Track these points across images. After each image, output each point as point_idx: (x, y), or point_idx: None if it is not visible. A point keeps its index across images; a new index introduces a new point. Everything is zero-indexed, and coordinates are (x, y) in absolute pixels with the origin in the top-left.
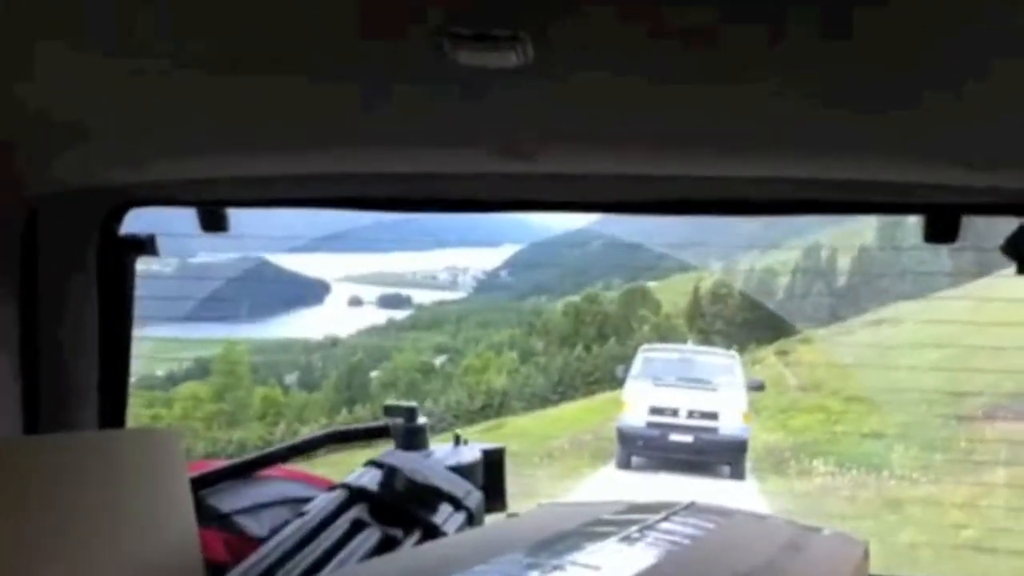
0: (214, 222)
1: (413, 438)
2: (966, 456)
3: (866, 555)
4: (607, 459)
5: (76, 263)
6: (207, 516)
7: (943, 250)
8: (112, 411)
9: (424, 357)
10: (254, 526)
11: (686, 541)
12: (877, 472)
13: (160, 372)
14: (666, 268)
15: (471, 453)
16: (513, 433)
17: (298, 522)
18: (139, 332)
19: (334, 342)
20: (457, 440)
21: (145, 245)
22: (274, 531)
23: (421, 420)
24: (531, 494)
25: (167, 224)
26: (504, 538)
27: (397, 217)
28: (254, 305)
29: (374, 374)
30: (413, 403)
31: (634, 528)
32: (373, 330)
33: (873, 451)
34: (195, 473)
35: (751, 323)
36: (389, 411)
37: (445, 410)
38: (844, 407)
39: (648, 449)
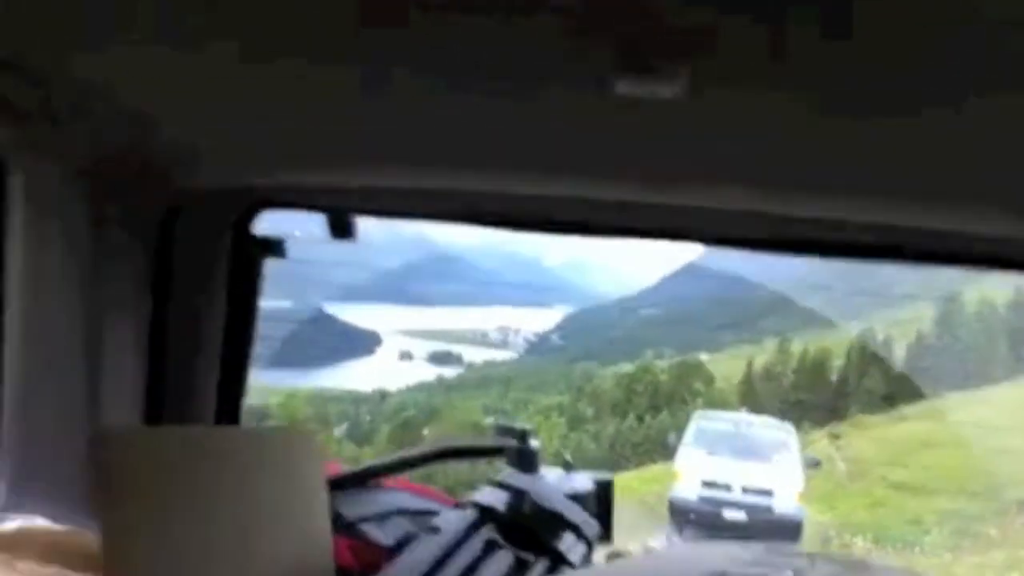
0: (342, 230)
1: (526, 460)
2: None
3: None
4: (657, 531)
5: (208, 261)
6: (334, 522)
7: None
8: (228, 411)
9: (475, 417)
10: (379, 534)
11: None
12: (910, 549)
13: None
14: (720, 343)
15: (584, 482)
16: None
17: (435, 538)
18: None
19: (383, 395)
20: (567, 466)
21: (275, 246)
22: (400, 541)
23: (534, 443)
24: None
25: None
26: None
27: (453, 267)
28: (305, 354)
29: (426, 431)
30: (528, 425)
31: (788, 572)
32: (422, 386)
33: (910, 532)
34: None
35: (804, 404)
36: (501, 431)
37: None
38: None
39: (700, 525)
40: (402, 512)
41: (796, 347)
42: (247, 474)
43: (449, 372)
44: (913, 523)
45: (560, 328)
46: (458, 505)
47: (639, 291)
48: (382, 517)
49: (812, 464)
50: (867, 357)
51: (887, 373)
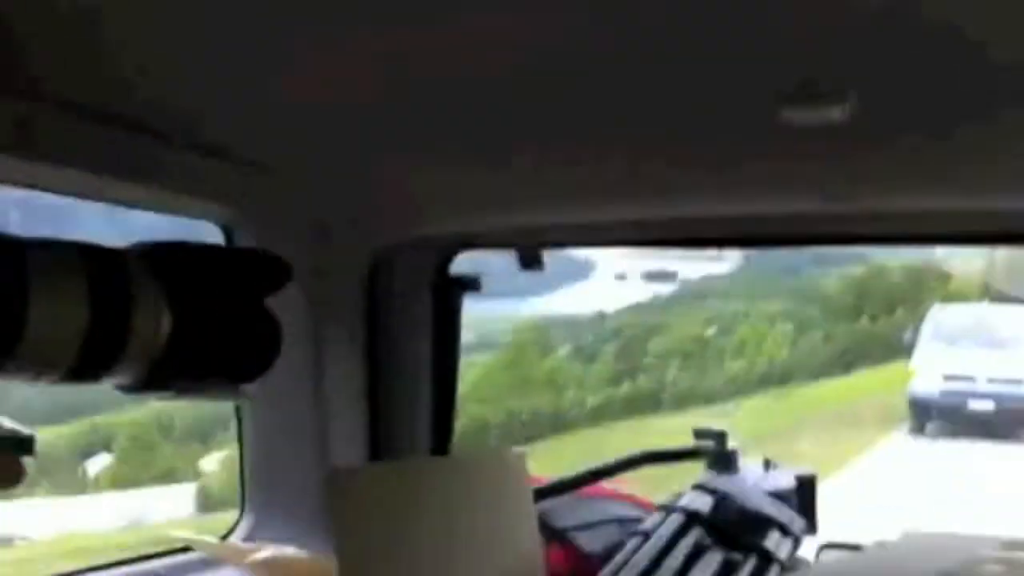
0: (532, 262)
1: (724, 461)
2: None
3: None
4: (899, 425)
5: (414, 303)
6: (543, 531)
7: None
8: (441, 439)
9: (696, 330)
10: (588, 542)
11: None
12: None
13: None
14: None
15: (785, 479)
16: (801, 402)
17: (645, 544)
18: None
19: (602, 316)
20: (767, 465)
21: (473, 283)
22: (609, 549)
23: (732, 444)
24: (827, 460)
25: None
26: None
27: None
28: (525, 283)
29: (650, 346)
30: (723, 428)
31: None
32: (639, 306)
33: None
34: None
35: None
36: (699, 435)
37: (726, 381)
38: None
39: (943, 418)
40: (609, 520)
41: None
42: (461, 498)
43: (664, 289)
44: None
45: None
46: (661, 510)
47: None
48: (590, 525)
49: None
50: None
51: None
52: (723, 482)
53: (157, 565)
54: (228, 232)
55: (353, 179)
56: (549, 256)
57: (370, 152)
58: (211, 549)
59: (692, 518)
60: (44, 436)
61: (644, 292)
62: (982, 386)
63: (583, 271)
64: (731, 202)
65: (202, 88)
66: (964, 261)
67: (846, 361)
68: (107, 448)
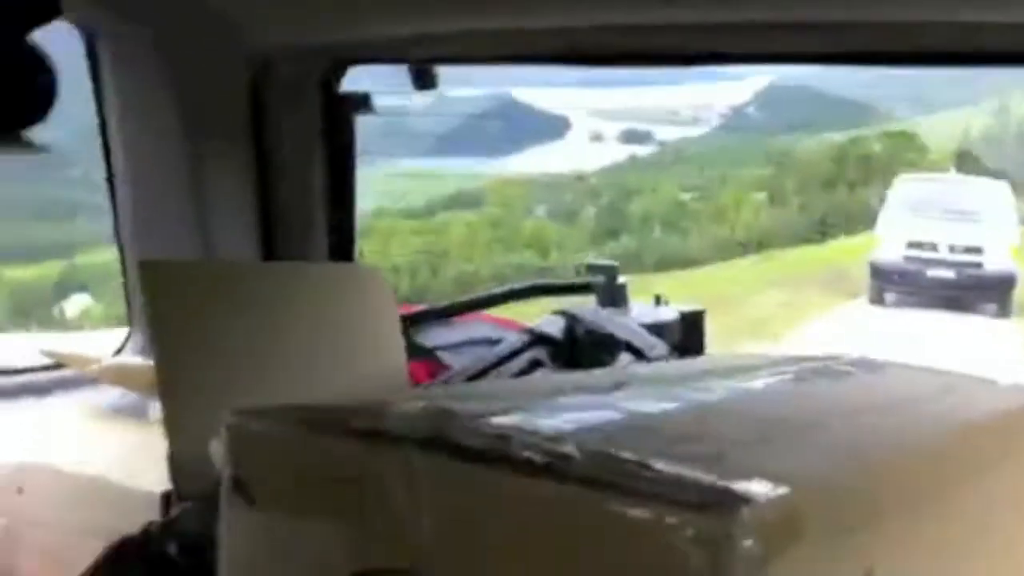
0: (424, 80)
1: (613, 296)
2: None
3: None
4: (861, 293)
5: (301, 116)
6: (411, 350)
7: None
8: (342, 249)
9: (676, 195)
10: (454, 361)
11: (827, 379)
12: None
13: (420, 202)
14: (933, 104)
15: (668, 313)
16: (774, 267)
17: (481, 355)
18: (391, 167)
19: (579, 177)
20: (658, 300)
21: (363, 103)
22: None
23: (621, 279)
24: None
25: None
26: (647, 371)
27: None
28: (497, 141)
29: (631, 208)
30: (614, 262)
31: (791, 366)
32: (616, 166)
33: None
34: (404, 312)
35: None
36: (592, 269)
37: (706, 245)
38: None
39: (904, 285)
40: (480, 341)
41: (1018, 108)
42: (309, 305)
43: (642, 151)
44: None
45: (756, 100)
46: (522, 332)
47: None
48: (459, 345)
49: None
50: None
51: None
52: (585, 310)
53: (32, 379)
54: (90, 40)
55: None
56: (520, 112)
57: None
58: (68, 360)
59: (538, 338)
60: (20, 275)
61: (620, 153)
62: (943, 254)
63: (557, 130)
64: (620, 11)
65: None
66: (940, 134)
67: (823, 230)
68: (84, 289)
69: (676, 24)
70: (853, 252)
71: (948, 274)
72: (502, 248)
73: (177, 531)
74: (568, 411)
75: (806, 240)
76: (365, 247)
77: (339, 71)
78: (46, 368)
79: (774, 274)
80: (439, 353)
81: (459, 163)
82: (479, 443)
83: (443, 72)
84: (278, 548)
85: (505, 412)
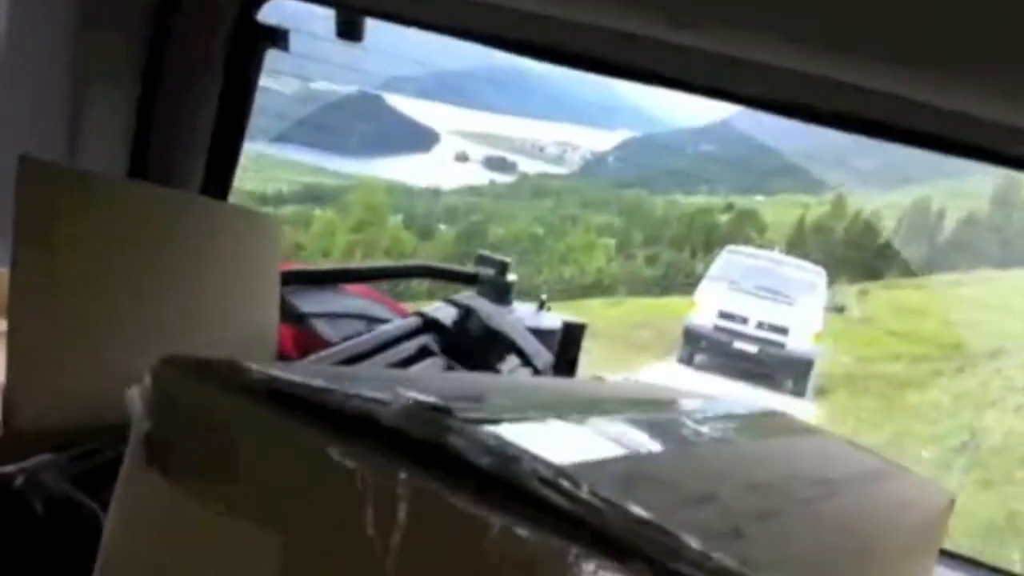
0: (350, 30)
1: (500, 292)
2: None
3: (949, 508)
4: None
5: (208, 43)
6: (284, 313)
7: None
8: (216, 186)
9: (530, 227)
10: (327, 331)
11: (769, 437)
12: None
13: (269, 190)
14: (776, 188)
15: (552, 320)
16: (612, 314)
17: (368, 335)
18: (248, 145)
19: (436, 193)
20: (541, 305)
21: (278, 36)
22: (346, 339)
23: (511, 276)
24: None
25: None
26: (594, 385)
27: (518, 73)
28: (361, 140)
29: (489, 234)
30: (507, 257)
31: (720, 407)
32: (474, 190)
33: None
34: (281, 270)
35: (849, 261)
36: (482, 260)
37: (557, 280)
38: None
39: (711, 352)
40: (357, 315)
41: (853, 204)
42: (191, 242)
43: (502, 179)
44: (893, 357)
45: (618, 150)
46: (412, 315)
47: (705, 124)
48: (336, 316)
49: (837, 308)
50: (917, 224)
51: (932, 242)
52: (478, 302)
53: None
54: None
55: None
56: (392, 119)
57: None
58: None
59: (429, 324)
60: None
61: (481, 177)
62: (751, 329)
63: (425, 143)
64: (575, 6)
65: None
66: (779, 213)
67: (664, 284)
68: None
69: (611, 30)
70: (681, 311)
71: (751, 348)
72: (362, 250)
73: (40, 483)
74: (560, 434)
75: (645, 292)
76: None
77: (258, 2)
78: None
79: (604, 320)
80: (313, 320)
81: (316, 157)
82: (486, 462)
83: (312, 64)
84: (191, 535)
85: (498, 421)
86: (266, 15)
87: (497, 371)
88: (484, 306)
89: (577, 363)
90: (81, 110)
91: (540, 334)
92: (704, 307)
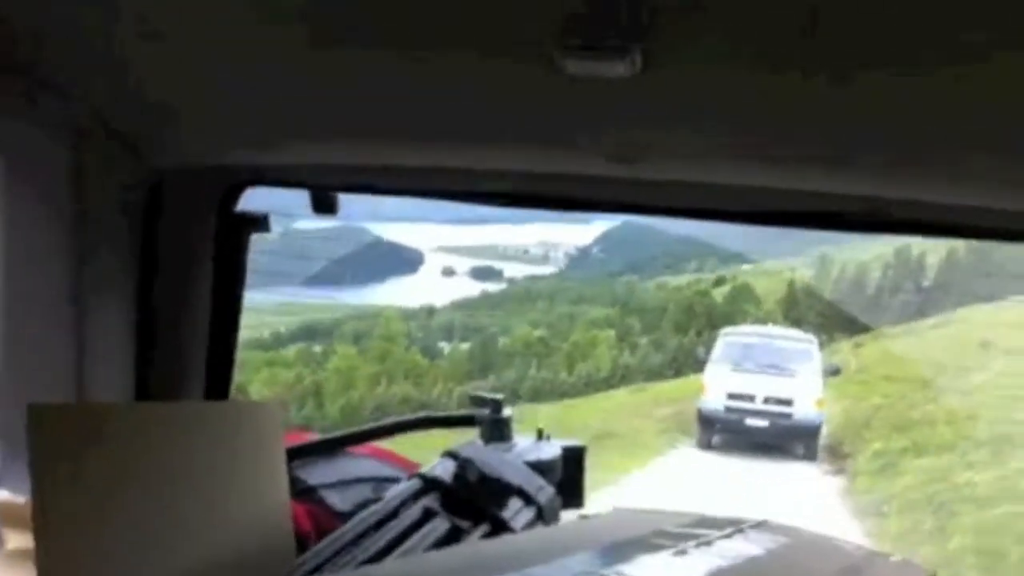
0: (325, 206)
1: (497, 429)
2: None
3: None
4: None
5: (194, 238)
6: (294, 488)
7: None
8: (218, 384)
9: (534, 331)
10: (338, 501)
11: (739, 560)
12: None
13: (266, 334)
14: (759, 256)
15: (551, 450)
16: (652, 398)
17: (374, 507)
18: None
19: (430, 312)
20: (540, 435)
21: (260, 223)
22: (357, 508)
23: (506, 412)
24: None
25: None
26: (562, 541)
27: None
28: (350, 271)
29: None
30: (499, 395)
31: (692, 543)
32: (467, 302)
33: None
34: (287, 445)
35: (841, 316)
36: (476, 401)
37: (578, 379)
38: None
39: (726, 432)
40: (365, 479)
41: (837, 261)
42: (211, 447)
43: (491, 287)
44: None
45: (600, 242)
46: (413, 477)
47: None
48: (344, 484)
49: (832, 372)
50: (903, 273)
51: (918, 288)
52: (474, 450)
53: None
54: None
55: (127, 99)
56: (375, 246)
57: (134, 67)
58: None
59: (429, 484)
60: None
61: (471, 289)
62: (759, 405)
63: (411, 265)
64: (520, 158)
65: None
66: (768, 280)
67: (675, 367)
68: None
69: (566, 174)
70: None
71: (762, 423)
72: (386, 380)
73: None
74: None
75: (660, 376)
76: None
77: (238, 192)
78: None
79: (640, 405)
80: (323, 492)
81: (309, 294)
82: None
83: (292, 203)
84: None
85: None
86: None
87: (500, 518)
88: (481, 453)
89: (583, 486)
90: (84, 344)
91: (542, 466)
92: (712, 390)
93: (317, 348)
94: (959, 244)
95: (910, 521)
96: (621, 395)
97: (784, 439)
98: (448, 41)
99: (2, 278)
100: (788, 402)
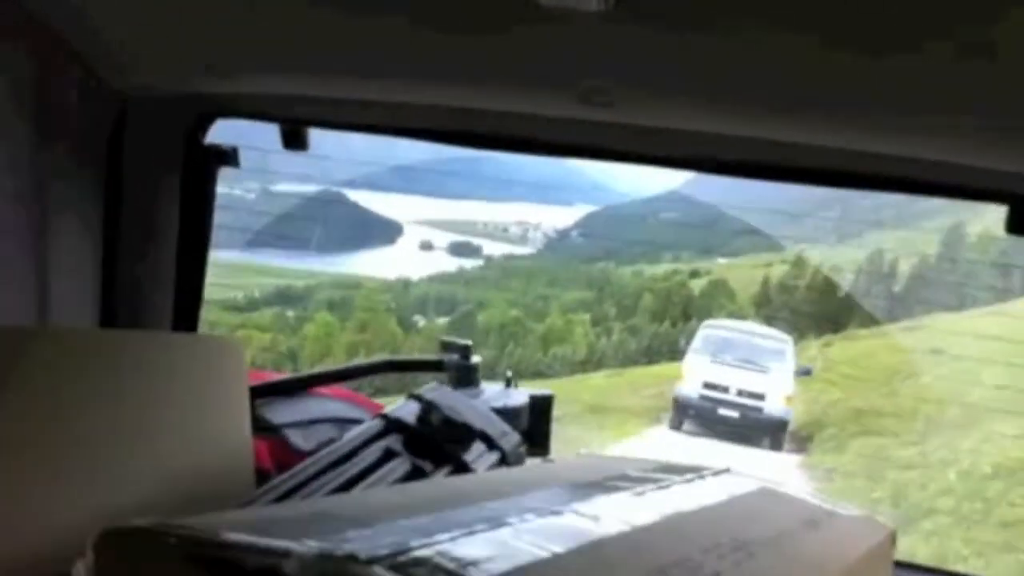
0: (295, 140)
1: (465, 376)
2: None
3: (891, 541)
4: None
5: (161, 168)
6: (258, 426)
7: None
8: (186, 317)
9: (510, 310)
10: (300, 440)
11: (696, 505)
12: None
13: (239, 295)
14: (737, 249)
15: (519, 397)
16: (633, 379)
17: (335, 444)
18: (216, 254)
19: (406, 284)
20: (508, 383)
21: (228, 156)
22: (320, 447)
23: (475, 359)
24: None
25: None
26: (522, 480)
27: (472, 160)
28: (327, 238)
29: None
30: (468, 341)
31: (651, 485)
32: (444, 276)
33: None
34: (251, 383)
35: (812, 316)
36: (445, 347)
37: (554, 360)
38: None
39: (698, 418)
40: (329, 420)
41: (813, 260)
42: (174, 378)
43: (469, 264)
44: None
45: (580, 226)
46: (378, 417)
47: (663, 192)
48: (308, 424)
49: (803, 372)
50: (873, 276)
51: (889, 292)
52: (439, 393)
53: None
54: None
55: (88, 22)
56: (353, 213)
57: None
58: None
59: (392, 425)
60: None
61: (448, 264)
62: (732, 396)
63: (389, 235)
64: (489, 96)
65: None
66: (743, 274)
67: (649, 355)
68: None
69: (539, 115)
70: (676, 375)
71: (734, 414)
72: (364, 350)
73: None
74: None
75: (634, 362)
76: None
77: (205, 123)
78: None
79: (620, 388)
80: (286, 431)
81: (283, 259)
82: None
83: (273, 167)
84: None
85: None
86: (212, 136)
87: (462, 461)
88: (446, 397)
89: (549, 434)
90: (47, 267)
91: (508, 412)
92: (689, 378)
93: (290, 314)
94: (931, 252)
95: (849, 484)
96: (598, 378)
97: (753, 431)
98: None
99: None
100: (760, 396)
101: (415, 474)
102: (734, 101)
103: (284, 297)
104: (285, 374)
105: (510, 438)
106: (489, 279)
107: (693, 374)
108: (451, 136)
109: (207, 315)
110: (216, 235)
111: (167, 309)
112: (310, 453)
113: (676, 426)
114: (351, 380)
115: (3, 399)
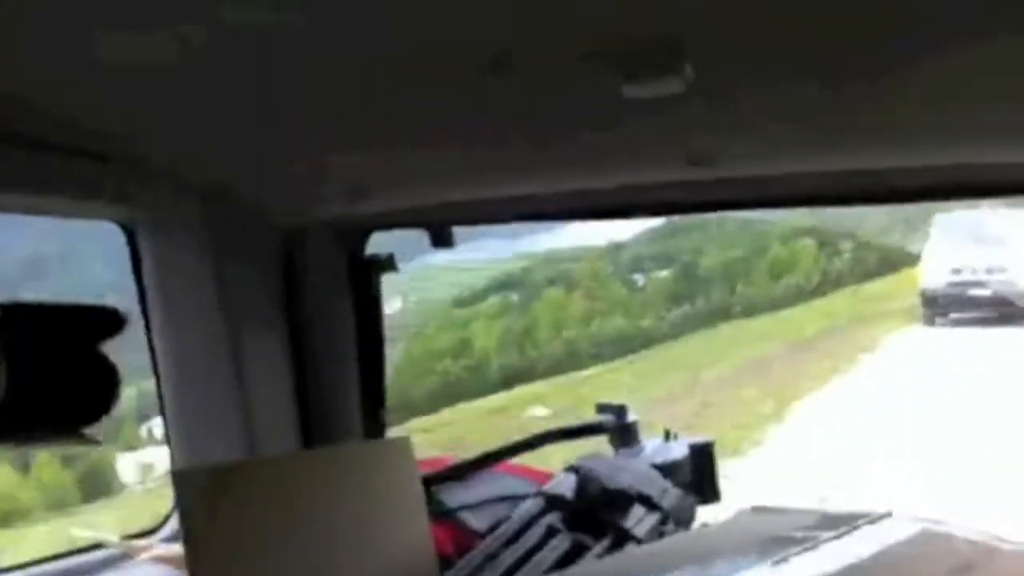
0: (442, 240)
1: (624, 435)
2: None
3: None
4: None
5: (331, 287)
6: (437, 510)
7: None
8: (372, 422)
9: (729, 254)
10: (474, 521)
11: (842, 564)
12: None
13: (457, 292)
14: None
15: (679, 450)
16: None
17: (503, 527)
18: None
19: (618, 247)
20: (667, 436)
21: (387, 264)
22: (493, 526)
23: (631, 417)
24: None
25: None
26: (683, 552)
27: None
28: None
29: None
30: (624, 403)
31: (796, 549)
32: (651, 232)
33: None
34: (425, 472)
35: None
36: (601, 409)
37: (786, 290)
38: None
39: (952, 306)
40: (503, 498)
41: None
42: (337, 493)
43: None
44: None
45: None
46: (537, 495)
47: None
48: (481, 504)
49: None
50: None
51: None
52: (595, 462)
53: (72, 563)
54: (129, 231)
55: (252, 166)
56: None
57: (269, 138)
58: (121, 546)
59: (551, 502)
60: None
61: (646, 222)
62: (981, 276)
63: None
64: (608, 175)
65: (89, 93)
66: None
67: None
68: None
69: (682, 181)
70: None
71: (985, 292)
72: (595, 319)
73: None
74: None
75: (874, 275)
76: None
77: (364, 238)
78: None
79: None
80: (461, 513)
81: (488, 246)
82: None
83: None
84: None
85: None
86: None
87: (623, 529)
88: (601, 465)
89: (715, 481)
90: (250, 404)
91: (669, 467)
92: (933, 270)
93: (515, 297)
94: None
95: None
96: (843, 295)
97: (1006, 306)
98: (535, 82)
99: (162, 349)
100: (1004, 270)
101: (575, 549)
102: (837, 141)
103: (502, 284)
104: (457, 458)
105: (670, 495)
106: (694, 225)
107: (936, 265)
108: (583, 214)
109: (433, 311)
110: (418, 239)
111: (357, 414)
112: (485, 532)
113: (930, 321)
114: (519, 454)
115: (218, 528)
